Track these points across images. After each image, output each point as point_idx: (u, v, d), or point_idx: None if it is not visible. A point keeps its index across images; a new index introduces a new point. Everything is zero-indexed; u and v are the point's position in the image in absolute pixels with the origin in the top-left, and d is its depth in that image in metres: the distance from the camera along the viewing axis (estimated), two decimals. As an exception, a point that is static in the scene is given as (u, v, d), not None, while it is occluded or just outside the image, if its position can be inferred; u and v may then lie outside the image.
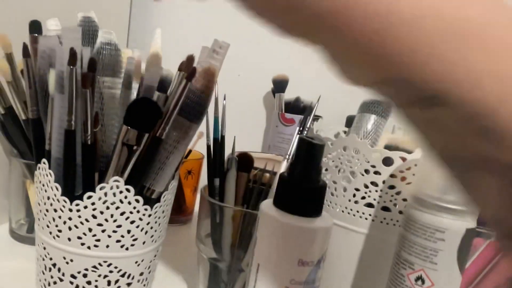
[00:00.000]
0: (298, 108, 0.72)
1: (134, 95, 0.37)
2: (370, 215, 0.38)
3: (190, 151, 0.70)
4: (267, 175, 0.44)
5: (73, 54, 0.31)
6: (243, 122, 0.76)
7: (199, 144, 0.66)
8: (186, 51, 0.36)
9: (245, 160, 0.44)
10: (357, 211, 0.38)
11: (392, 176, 0.37)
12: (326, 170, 0.40)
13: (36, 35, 0.40)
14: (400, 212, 0.37)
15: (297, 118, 0.70)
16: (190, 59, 0.35)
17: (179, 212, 0.68)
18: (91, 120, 0.33)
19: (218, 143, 0.44)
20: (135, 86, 0.37)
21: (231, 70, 0.80)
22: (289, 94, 0.75)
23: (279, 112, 0.73)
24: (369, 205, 0.38)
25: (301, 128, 0.42)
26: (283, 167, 0.41)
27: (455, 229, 0.30)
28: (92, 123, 0.33)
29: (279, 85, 0.74)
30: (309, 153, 0.32)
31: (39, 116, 0.36)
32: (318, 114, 0.63)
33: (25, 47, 0.37)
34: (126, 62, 0.35)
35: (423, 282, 0.31)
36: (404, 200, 0.37)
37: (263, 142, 0.81)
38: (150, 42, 0.39)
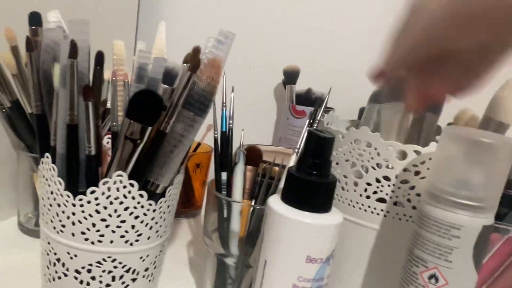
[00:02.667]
0: (310, 100, 0.71)
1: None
2: (382, 210, 0.36)
3: (199, 144, 0.69)
4: (276, 168, 0.43)
5: (73, 46, 0.30)
6: (253, 114, 0.75)
7: (208, 137, 0.66)
8: (196, 43, 0.35)
9: (253, 154, 0.43)
10: (369, 206, 0.37)
11: (405, 170, 0.35)
12: (337, 164, 0.39)
13: (36, 27, 0.39)
14: (414, 208, 0.35)
15: (309, 110, 0.69)
16: (196, 50, 0.34)
17: (188, 205, 0.68)
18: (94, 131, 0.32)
19: (226, 136, 0.43)
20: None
21: (241, 62, 0.79)
22: (301, 86, 0.73)
23: (290, 104, 0.71)
24: (381, 200, 0.37)
25: (311, 121, 0.41)
26: (292, 161, 0.39)
27: (472, 226, 0.29)
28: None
29: (290, 76, 0.73)
30: (318, 147, 0.31)
31: (44, 112, 0.36)
32: (329, 106, 0.61)
33: (28, 40, 0.36)
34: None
35: (436, 280, 0.30)
36: (418, 195, 0.35)
37: (274, 134, 0.80)
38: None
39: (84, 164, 0.34)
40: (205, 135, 0.68)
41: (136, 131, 0.31)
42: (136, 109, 0.31)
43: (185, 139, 0.33)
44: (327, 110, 0.47)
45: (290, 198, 0.32)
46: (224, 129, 0.43)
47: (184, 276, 0.50)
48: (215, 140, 0.43)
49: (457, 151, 0.30)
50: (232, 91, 0.43)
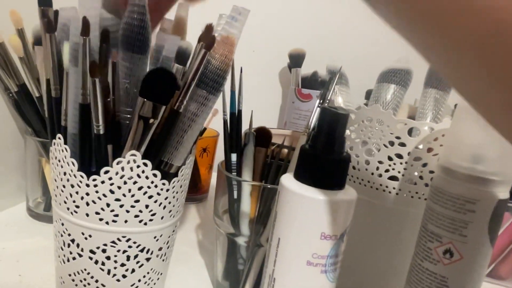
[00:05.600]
0: (315, 83, 0.71)
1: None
2: (394, 188, 0.37)
3: (205, 128, 0.69)
4: (285, 150, 0.43)
5: (86, 23, 0.30)
6: (258, 98, 0.74)
7: (214, 122, 0.65)
8: (205, 22, 0.34)
9: (263, 135, 0.43)
10: (380, 185, 0.37)
11: (418, 147, 0.35)
12: (348, 143, 0.39)
13: (46, 7, 0.38)
14: (426, 185, 0.35)
15: (314, 93, 0.69)
16: (209, 28, 0.34)
17: (195, 190, 0.68)
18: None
19: (235, 117, 0.43)
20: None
21: (246, 45, 0.79)
22: (306, 69, 0.73)
23: (296, 87, 0.71)
24: (393, 178, 0.37)
25: (321, 101, 0.41)
26: (302, 141, 0.39)
27: (487, 200, 0.29)
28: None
29: (296, 60, 0.72)
30: (332, 123, 0.31)
31: (61, 95, 0.35)
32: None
33: (49, 21, 0.35)
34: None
35: (451, 255, 0.30)
36: (431, 172, 0.35)
37: (279, 118, 0.80)
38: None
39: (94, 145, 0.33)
40: (210, 119, 0.67)
41: (149, 110, 0.31)
42: (149, 88, 0.31)
43: (198, 118, 0.33)
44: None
45: (303, 176, 0.32)
46: (233, 111, 0.43)
47: (195, 258, 0.50)
48: (225, 121, 0.43)
49: (471, 125, 0.30)
50: (241, 71, 0.43)
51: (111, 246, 0.34)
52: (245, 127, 0.44)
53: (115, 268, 0.35)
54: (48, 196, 0.54)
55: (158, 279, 0.38)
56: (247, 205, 0.41)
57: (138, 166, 0.32)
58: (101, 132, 0.33)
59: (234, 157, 0.43)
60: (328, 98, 0.40)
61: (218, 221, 0.43)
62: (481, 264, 0.30)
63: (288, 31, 0.76)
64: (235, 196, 0.41)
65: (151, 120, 0.32)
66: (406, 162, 0.36)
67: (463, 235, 0.30)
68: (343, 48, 0.73)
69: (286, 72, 0.77)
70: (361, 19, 0.74)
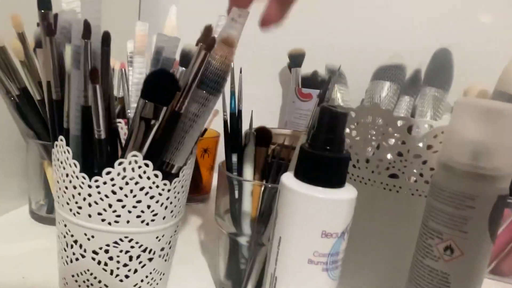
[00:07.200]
0: (316, 82, 0.71)
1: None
2: (394, 186, 0.37)
3: (205, 129, 0.69)
4: (286, 150, 0.43)
5: (87, 26, 0.30)
6: (259, 98, 0.75)
7: (214, 122, 0.66)
8: (203, 24, 0.35)
9: (263, 135, 0.44)
10: (381, 183, 0.37)
11: (417, 145, 0.35)
12: (348, 141, 0.39)
13: (46, 11, 0.39)
14: (427, 182, 0.36)
15: (315, 93, 0.69)
16: (208, 29, 0.34)
17: (196, 191, 0.68)
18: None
19: (235, 117, 0.43)
20: (139, 60, 0.36)
21: (246, 45, 0.79)
22: (306, 69, 0.73)
23: (296, 87, 0.71)
24: (394, 176, 0.37)
25: (320, 100, 0.41)
26: (303, 141, 0.40)
27: (486, 196, 0.29)
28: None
29: (296, 60, 0.73)
30: (332, 122, 0.31)
31: (63, 97, 0.36)
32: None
33: (49, 25, 0.36)
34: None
35: (452, 251, 0.30)
36: (432, 169, 0.35)
37: (280, 118, 0.80)
38: (162, 14, 0.38)
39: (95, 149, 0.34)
40: (211, 120, 0.68)
41: (151, 111, 0.32)
42: (151, 89, 0.31)
43: (199, 119, 0.34)
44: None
45: (303, 174, 0.32)
46: (233, 111, 0.43)
47: (197, 258, 0.50)
48: (225, 121, 0.43)
49: (470, 122, 0.30)
50: (240, 72, 0.43)
51: (114, 246, 0.34)
52: (246, 127, 0.44)
53: (117, 268, 0.35)
54: (50, 199, 0.54)
55: (160, 279, 0.38)
56: (248, 205, 0.41)
57: (139, 167, 0.33)
58: (102, 137, 0.33)
59: (234, 157, 0.43)
60: (328, 97, 0.40)
61: (220, 221, 0.43)
62: (481, 260, 0.30)
63: (288, 31, 0.76)
64: (236, 196, 0.41)
65: (152, 121, 0.32)
66: (406, 160, 0.36)
67: (463, 231, 0.30)
68: (343, 48, 0.73)
69: (286, 72, 0.78)
70: (360, 19, 0.74)
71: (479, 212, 0.29)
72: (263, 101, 0.78)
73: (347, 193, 0.31)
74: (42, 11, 0.38)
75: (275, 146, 0.45)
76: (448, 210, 0.30)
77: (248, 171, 0.43)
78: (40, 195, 0.54)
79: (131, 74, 0.37)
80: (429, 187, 0.32)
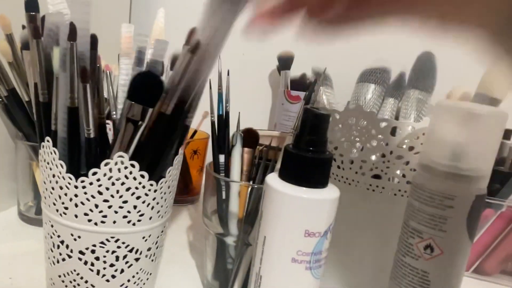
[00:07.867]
0: (304, 85, 0.72)
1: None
2: (377, 186, 0.37)
3: (195, 131, 0.70)
4: (273, 151, 0.44)
5: (73, 28, 0.31)
6: (248, 100, 0.75)
7: (204, 124, 0.66)
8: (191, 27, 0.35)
9: (250, 136, 0.44)
10: (364, 183, 0.38)
11: (400, 146, 0.36)
12: (331, 142, 0.40)
13: (34, 13, 0.39)
14: (409, 183, 0.36)
15: (303, 95, 0.70)
16: (192, 31, 0.34)
17: (186, 192, 0.68)
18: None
19: (223, 119, 0.44)
20: (126, 62, 0.37)
21: (236, 48, 0.79)
22: (295, 71, 0.74)
23: (285, 89, 0.72)
24: (377, 176, 0.37)
25: (305, 102, 0.42)
26: (289, 142, 0.40)
27: (465, 196, 0.30)
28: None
29: (285, 62, 0.73)
30: (315, 123, 0.32)
31: (50, 100, 0.36)
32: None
33: (35, 27, 0.36)
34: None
35: (432, 250, 0.31)
36: (414, 170, 0.36)
37: (269, 120, 0.81)
38: (153, 17, 0.38)
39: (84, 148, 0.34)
40: (201, 122, 0.68)
41: (137, 113, 0.32)
42: (137, 91, 0.31)
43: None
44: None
45: (287, 175, 0.32)
46: (220, 112, 0.44)
47: (184, 259, 0.51)
48: (212, 123, 0.44)
49: (449, 123, 0.30)
50: (228, 74, 0.44)
51: (100, 246, 0.35)
52: (235, 128, 0.45)
53: (104, 268, 0.35)
54: (39, 200, 0.54)
55: (147, 279, 0.39)
56: (235, 205, 0.42)
57: (125, 167, 0.33)
58: (92, 136, 0.33)
59: (222, 158, 0.44)
60: (313, 99, 0.41)
61: (207, 222, 0.43)
62: (460, 258, 0.31)
63: (277, 34, 0.77)
64: (224, 196, 0.42)
65: (139, 123, 0.32)
66: (389, 161, 0.37)
67: (443, 230, 0.30)
68: (331, 51, 0.73)
69: (276, 74, 0.78)
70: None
71: (458, 212, 0.30)
72: (253, 103, 0.79)
73: (330, 193, 0.32)
74: (29, 13, 0.38)
75: (262, 147, 0.45)
76: (428, 209, 0.31)
77: (235, 172, 0.43)
78: (29, 196, 0.54)
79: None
80: (410, 188, 0.33)
